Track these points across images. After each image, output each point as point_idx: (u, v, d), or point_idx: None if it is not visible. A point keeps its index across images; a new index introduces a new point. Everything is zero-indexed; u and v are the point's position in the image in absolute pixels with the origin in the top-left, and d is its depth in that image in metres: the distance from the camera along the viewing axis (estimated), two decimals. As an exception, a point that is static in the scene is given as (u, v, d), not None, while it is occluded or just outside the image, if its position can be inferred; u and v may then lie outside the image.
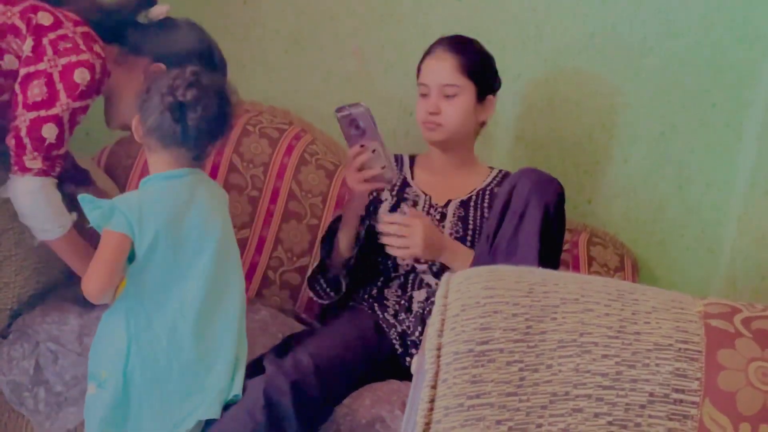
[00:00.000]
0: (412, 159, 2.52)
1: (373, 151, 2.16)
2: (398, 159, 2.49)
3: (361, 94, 2.89)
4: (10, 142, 1.99)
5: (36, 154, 1.98)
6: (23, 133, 1.97)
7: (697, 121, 2.71)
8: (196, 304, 1.90)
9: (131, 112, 2.14)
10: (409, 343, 2.22)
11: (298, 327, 2.38)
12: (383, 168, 2.17)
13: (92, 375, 1.90)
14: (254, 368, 2.01)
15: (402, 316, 2.25)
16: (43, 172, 2.00)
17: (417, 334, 2.21)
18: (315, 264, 2.34)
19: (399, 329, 2.24)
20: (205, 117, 1.92)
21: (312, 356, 1.98)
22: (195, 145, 1.94)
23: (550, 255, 2.07)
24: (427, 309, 2.23)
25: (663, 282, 2.78)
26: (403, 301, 2.28)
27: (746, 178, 2.64)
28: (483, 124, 2.43)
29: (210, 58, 2.15)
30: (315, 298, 2.42)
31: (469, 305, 1.21)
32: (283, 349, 2.05)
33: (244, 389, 1.94)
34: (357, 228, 2.31)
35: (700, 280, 2.77)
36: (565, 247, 2.69)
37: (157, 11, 2.16)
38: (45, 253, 2.14)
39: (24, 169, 1.99)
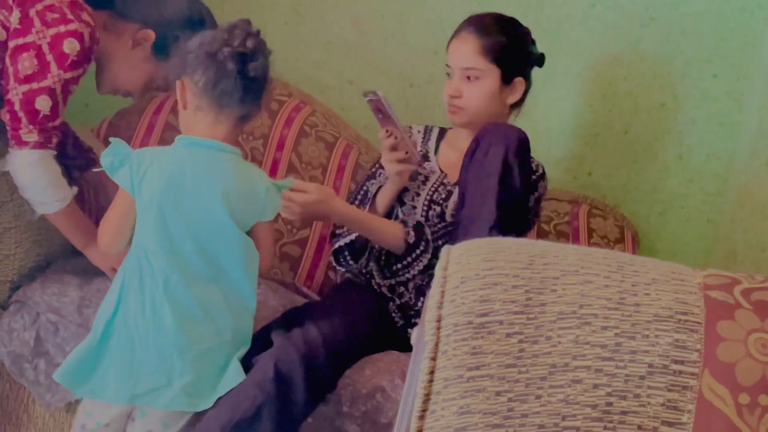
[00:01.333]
0: (442, 133, 2.45)
1: (396, 137, 2.19)
2: (427, 131, 2.47)
3: (361, 65, 2.89)
4: (5, 116, 1.99)
5: (31, 127, 1.97)
6: (17, 106, 1.97)
7: (698, 91, 2.70)
8: (180, 289, 1.84)
9: (121, 77, 2.14)
10: (411, 314, 2.22)
11: (299, 300, 2.38)
12: (407, 153, 2.21)
13: None
14: (257, 341, 2.01)
15: (401, 289, 2.26)
16: (40, 145, 1.99)
17: (419, 305, 2.22)
18: (349, 238, 2.34)
19: (398, 302, 2.24)
20: (266, 66, 1.88)
21: (320, 329, 1.99)
22: (250, 101, 1.89)
23: (511, 202, 2.07)
24: (426, 281, 2.23)
25: (663, 253, 2.78)
26: (408, 273, 2.27)
27: (747, 148, 2.64)
28: (515, 106, 2.36)
29: (201, 25, 2.10)
30: (336, 265, 2.42)
31: (469, 277, 1.21)
32: (288, 322, 2.05)
33: (250, 362, 1.95)
34: (393, 204, 2.34)
35: (700, 251, 2.78)
36: (565, 218, 2.69)
37: None
38: (45, 225, 2.14)
39: (21, 143, 1.99)
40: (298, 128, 2.72)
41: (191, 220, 1.84)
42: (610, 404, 1.16)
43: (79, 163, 2.23)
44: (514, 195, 2.07)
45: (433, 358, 1.18)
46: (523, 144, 2.10)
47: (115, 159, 1.83)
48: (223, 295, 1.87)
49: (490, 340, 1.17)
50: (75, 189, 2.10)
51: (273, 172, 2.65)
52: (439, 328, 1.19)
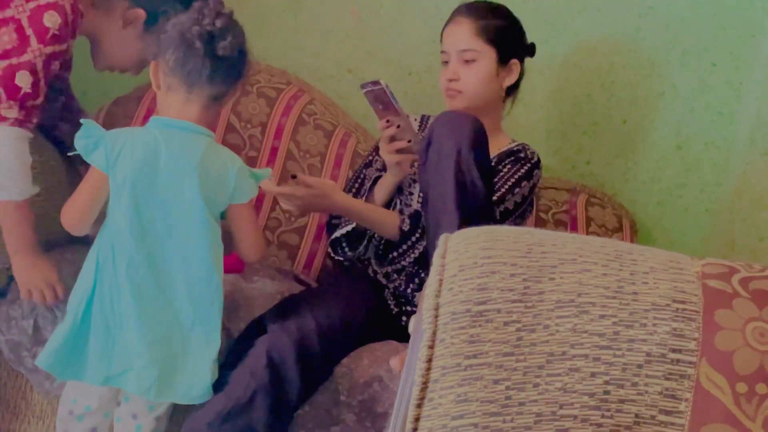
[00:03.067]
0: None
1: (398, 126, 2.18)
2: (424, 119, 2.47)
3: (360, 54, 2.89)
4: None
5: (11, 102, 1.93)
6: None
7: (697, 80, 2.70)
8: (142, 271, 1.84)
9: (114, 54, 2.12)
10: (402, 301, 2.23)
11: (297, 288, 2.38)
12: (409, 142, 2.21)
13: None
14: (254, 329, 2.01)
15: (395, 276, 2.26)
16: (20, 123, 1.95)
17: (409, 291, 2.21)
18: (346, 229, 2.35)
19: (392, 289, 2.25)
20: (235, 46, 1.87)
21: (314, 316, 1.99)
22: (222, 80, 1.89)
23: (472, 198, 2.01)
24: (416, 268, 2.23)
25: (661, 243, 2.78)
26: (404, 261, 2.28)
27: (745, 138, 2.64)
28: (512, 90, 2.38)
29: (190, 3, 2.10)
30: (332, 254, 2.42)
31: (467, 266, 1.21)
32: (282, 309, 2.05)
33: (246, 350, 1.95)
34: (392, 194, 2.33)
35: (698, 240, 2.78)
36: (564, 207, 2.69)
37: None
38: (43, 213, 2.13)
39: (0, 119, 1.94)
40: (297, 116, 2.72)
41: (164, 201, 1.84)
42: (607, 393, 1.15)
43: (73, 120, 2.19)
44: (474, 190, 2.02)
45: (431, 347, 1.18)
46: (476, 132, 2.05)
47: (89, 141, 1.83)
48: (186, 284, 1.85)
49: (488, 329, 1.17)
50: (36, 188, 2.03)
51: (271, 160, 2.65)
52: (436, 317, 1.19)
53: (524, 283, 1.20)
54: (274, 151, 2.67)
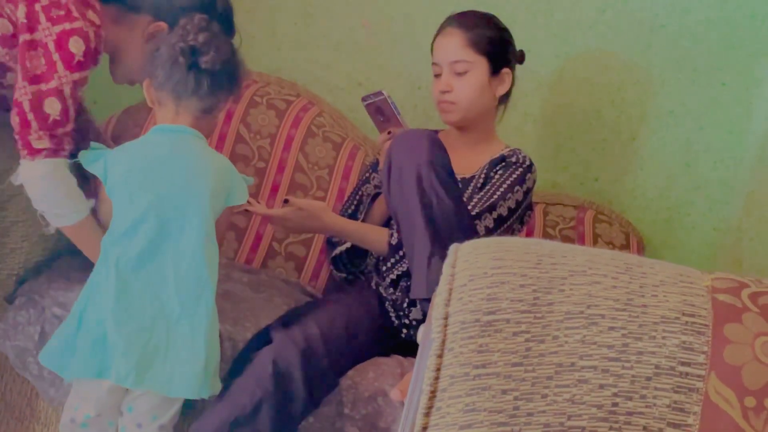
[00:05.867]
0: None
1: None
2: None
3: (369, 67, 2.89)
4: (14, 119, 1.94)
5: (41, 132, 1.93)
6: (27, 107, 1.92)
7: (707, 98, 2.70)
8: (131, 265, 1.85)
9: (136, 68, 2.11)
10: (401, 314, 2.22)
11: (303, 299, 2.39)
12: None
13: None
14: (260, 339, 2.01)
15: (390, 289, 2.26)
16: (53, 152, 1.95)
17: (405, 304, 2.21)
18: (346, 246, 2.36)
19: (390, 300, 2.25)
20: (219, 60, 1.92)
21: (319, 326, 1.99)
22: (208, 93, 1.93)
23: (441, 214, 1.99)
24: (409, 281, 2.23)
25: (668, 260, 2.75)
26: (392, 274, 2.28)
27: (754, 156, 2.64)
28: (503, 99, 2.38)
29: (212, 8, 2.11)
30: (335, 271, 2.43)
31: (477, 275, 1.21)
32: (288, 319, 2.05)
33: (251, 359, 1.95)
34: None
35: (706, 258, 2.77)
36: (571, 224, 2.69)
37: None
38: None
39: (33, 152, 1.94)
40: (306, 128, 2.72)
41: (158, 197, 1.87)
42: (615, 405, 1.15)
43: None
44: (441, 208, 2.00)
45: (440, 356, 1.18)
46: (434, 149, 2.04)
47: (91, 155, 1.91)
48: (175, 278, 1.86)
49: (497, 339, 1.17)
50: (92, 201, 2.06)
51: (280, 172, 2.66)
52: (446, 326, 1.19)
53: (534, 294, 1.20)
54: (282, 162, 2.68)
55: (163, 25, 2.09)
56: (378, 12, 2.89)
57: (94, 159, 1.90)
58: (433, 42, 2.36)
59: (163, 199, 1.87)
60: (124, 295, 1.83)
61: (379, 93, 2.19)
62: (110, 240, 1.88)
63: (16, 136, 1.95)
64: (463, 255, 1.25)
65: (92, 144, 1.94)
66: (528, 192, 2.26)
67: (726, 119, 2.70)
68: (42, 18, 1.93)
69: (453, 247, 1.29)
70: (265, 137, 2.69)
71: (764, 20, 2.59)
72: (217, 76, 1.93)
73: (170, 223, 1.87)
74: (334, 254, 2.39)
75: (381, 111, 2.19)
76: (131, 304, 1.83)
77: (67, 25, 1.94)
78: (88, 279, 1.89)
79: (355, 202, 2.43)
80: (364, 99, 2.21)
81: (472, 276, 1.21)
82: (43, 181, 1.97)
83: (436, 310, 1.20)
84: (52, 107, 1.93)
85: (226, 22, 2.14)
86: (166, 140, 1.93)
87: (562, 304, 1.20)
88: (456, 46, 2.28)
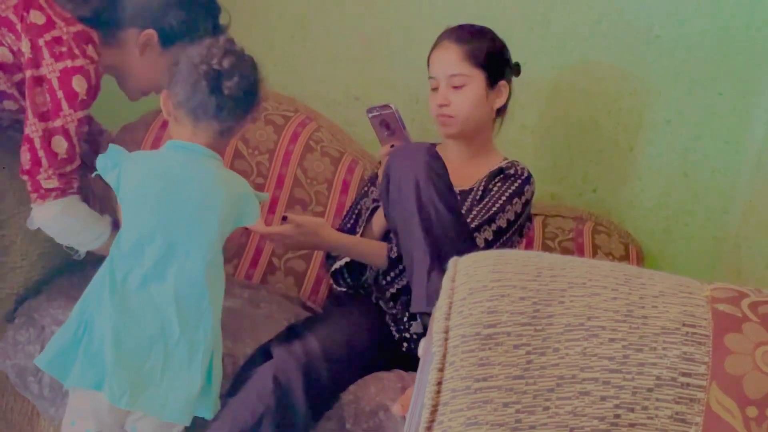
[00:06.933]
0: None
1: None
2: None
3: (367, 81, 2.90)
4: (25, 156, 1.95)
5: (51, 171, 1.95)
6: (38, 144, 1.94)
7: (704, 108, 2.70)
8: (135, 282, 1.83)
9: (143, 81, 2.12)
10: (401, 327, 2.22)
11: (304, 314, 2.39)
12: None
13: None
14: (261, 355, 2.01)
15: (390, 303, 2.26)
16: (62, 192, 1.97)
17: (405, 318, 2.21)
18: (345, 260, 2.35)
19: (390, 314, 2.25)
20: (242, 86, 1.88)
21: (320, 340, 1.99)
22: (228, 117, 1.90)
23: (440, 227, 2.00)
24: (409, 295, 2.23)
25: (667, 270, 2.74)
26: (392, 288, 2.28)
27: (752, 165, 2.64)
28: (500, 112, 2.38)
29: (194, 2, 2.10)
30: (335, 285, 2.43)
31: (477, 289, 1.21)
32: (289, 335, 2.05)
33: (252, 375, 1.94)
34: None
35: (705, 267, 2.78)
36: (570, 235, 2.69)
37: None
38: (50, 238, 2.14)
39: (43, 195, 1.96)
40: (304, 143, 2.72)
41: (166, 215, 1.84)
42: (618, 416, 1.15)
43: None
44: (440, 221, 2.00)
45: (441, 369, 1.17)
46: (432, 162, 2.05)
47: (108, 162, 1.86)
48: (176, 301, 1.83)
49: (497, 352, 1.17)
50: (108, 218, 2.07)
51: (279, 187, 2.66)
52: (446, 339, 1.19)
53: (534, 307, 1.20)
54: (281, 177, 2.68)
55: (151, 32, 2.07)
56: (375, 26, 2.89)
57: (111, 167, 1.85)
58: (429, 56, 2.36)
59: (172, 220, 1.85)
60: (125, 313, 1.81)
61: (387, 106, 2.19)
62: (117, 253, 1.85)
63: (25, 177, 1.96)
64: (463, 268, 1.25)
65: (109, 146, 1.88)
66: (527, 203, 2.26)
67: (723, 128, 2.70)
68: (46, 54, 1.94)
69: (452, 261, 1.29)
70: (263, 153, 2.69)
71: (759, 29, 2.60)
72: (239, 100, 1.89)
73: (177, 245, 1.84)
74: (333, 268, 2.39)
75: (386, 124, 2.19)
76: (131, 324, 1.81)
77: (69, 63, 1.94)
78: (91, 283, 1.87)
79: (353, 217, 2.43)
80: (369, 111, 2.21)
81: (471, 289, 1.21)
82: (57, 222, 2.00)
83: (436, 324, 1.20)
84: (60, 146, 1.95)
85: (211, 18, 2.14)
86: (181, 159, 1.89)
87: (562, 317, 1.20)
88: (453, 60, 2.28)
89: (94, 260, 2.16)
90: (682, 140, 2.74)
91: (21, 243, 2.16)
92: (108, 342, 1.79)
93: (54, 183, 1.96)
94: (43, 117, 1.94)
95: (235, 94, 1.87)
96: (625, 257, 2.70)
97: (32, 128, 1.94)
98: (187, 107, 1.88)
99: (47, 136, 1.94)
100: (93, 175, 1.93)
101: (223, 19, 2.18)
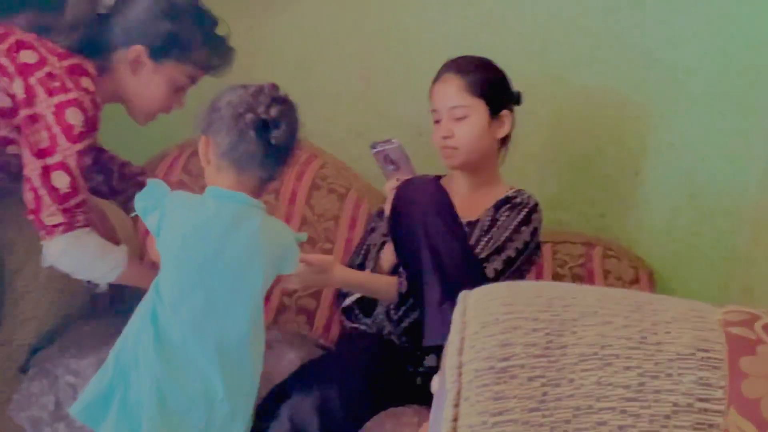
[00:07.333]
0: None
1: None
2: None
3: (370, 117, 2.91)
4: (27, 196, 1.94)
5: (54, 207, 1.93)
6: (37, 183, 1.92)
7: (706, 129, 2.71)
8: (176, 336, 1.76)
9: (146, 103, 2.09)
10: (415, 362, 2.22)
11: (316, 353, 2.38)
12: None
13: None
14: (275, 395, 2.00)
15: (403, 337, 2.25)
16: (68, 226, 1.95)
17: (418, 353, 2.21)
18: (356, 296, 2.36)
19: (403, 349, 2.24)
20: (289, 134, 1.83)
21: (335, 381, 1.98)
22: (274, 165, 1.85)
23: (451, 261, 2.01)
24: (410, 321, 2.23)
25: (679, 292, 2.77)
26: (404, 323, 2.27)
27: (757, 184, 2.64)
28: (504, 141, 2.39)
29: (173, 6, 2.06)
30: (347, 322, 2.43)
31: (488, 322, 1.21)
32: (303, 375, 2.04)
33: (268, 415, 1.94)
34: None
35: (717, 288, 2.77)
36: (580, 261, 2.69)
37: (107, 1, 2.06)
38: (62, 287, 2.14)
39: (50, 231, 1.94)
40: (310, 181, 2.73)
41: (208, 271, 1.78)
42: (636, 445, 1.15)
43: (130, 194, 2.11)
44: (449, 254, 2.01)
45: (456, 405, 1.17)
46: (438, 195, 2.07)
47: (148, 203, 1.80)
48: (220, 361, 1.77)
49: (512, 385, 1.16)
50: (124, 247, 2.07)
51: (286, 226, 2.66)
52: (460, 375, 1.18)
53: (547, 338, 1.19)
54: (288, 216, 2.69)
55: (138, 48, 2.05)
56: (374, 62, 2.91)
57: (152, 208, 1.79)
58: (430, 89, 2.37)
59: (214, 275, 1.78)
60: (169, 368, 1.75)
61: (391, 141, 2.20)
62: (159, 302, 1.78)
63: (31, 216, 1.95)
64: (473, 302, 1.24)
65: (149, 182, 1.83)
66: (535, 232, 2.26)
67: (726, 149, 2.71)
68: (39, 91, 1.93)
69: (462, 295, 1.28)
70: (269, 192, 2.69)
71: (758, 50, 2.60)
72: (285, 148, 1.85)
73: (217, 302, 1.77)
74: (345, 305, 2.39)
75: (390, 159, 2.20)
76: (173, 380, 1.75)
77: (62, 97, 1.93)
78: (128, 328, 1.81)
79: (362, 253, 2.43)
80: (373, 146, 2.21)
81: (483, 323, 1.21)
82: (67, 256, 1.98)
83: (449, 360, 1.19)
84: (61, 181, 1.93)
85: (202, 28, 2.11)
86: (226, 211, 1.81)
87: (575, 347, 1.19)
88: (454, 92, 2.29)
89: (108, 308, 2.17)
90: (686, 162, 2.75)
91: (33, 294, 2.16)
92: (152, 398, 1.73)
93: (58, 218, 1.94)
94: (40, 154, 1.92)
95: (282, 143, 1.82)
96: (635, 281, 2.70)
97: (30, 167, 1.93)
98: (232, 156, 1.81)
99: (46, 173, 1.92)
100: (131, 215, 1.92)
101: (221, 30, 2.13)
